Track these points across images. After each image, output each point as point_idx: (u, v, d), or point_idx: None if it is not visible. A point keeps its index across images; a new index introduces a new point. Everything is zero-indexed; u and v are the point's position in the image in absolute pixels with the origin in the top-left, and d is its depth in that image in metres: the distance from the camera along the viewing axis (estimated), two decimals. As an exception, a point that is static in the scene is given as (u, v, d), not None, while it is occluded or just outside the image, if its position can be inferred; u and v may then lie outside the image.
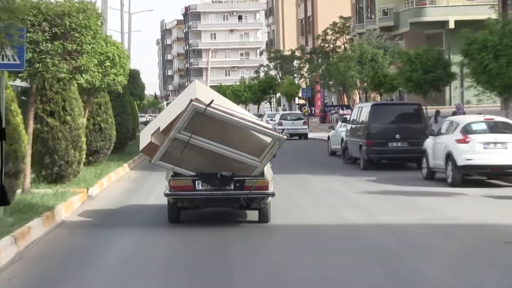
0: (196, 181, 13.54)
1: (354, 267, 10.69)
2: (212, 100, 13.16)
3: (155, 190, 20.44)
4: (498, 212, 16.22)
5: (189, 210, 14.84)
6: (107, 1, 40.40)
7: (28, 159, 17.05)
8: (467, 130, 21.40)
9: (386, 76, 44.97)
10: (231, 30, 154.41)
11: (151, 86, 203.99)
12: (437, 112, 32.50)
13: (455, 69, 36.24)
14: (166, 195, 13.79)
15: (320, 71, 66.23)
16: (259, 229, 14.14)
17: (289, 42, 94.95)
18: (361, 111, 28.33)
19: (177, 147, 13.21)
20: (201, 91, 13.79)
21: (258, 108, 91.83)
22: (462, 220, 14.98)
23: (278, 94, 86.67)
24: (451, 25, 53.46)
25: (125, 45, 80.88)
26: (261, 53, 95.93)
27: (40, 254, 11.61)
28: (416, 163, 27.01)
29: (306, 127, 51.25)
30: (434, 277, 10.14)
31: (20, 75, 16.26)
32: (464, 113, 32.28)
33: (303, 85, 76.30)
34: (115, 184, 22.12)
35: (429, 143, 23.40)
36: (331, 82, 61.59)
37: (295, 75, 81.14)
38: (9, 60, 14.28)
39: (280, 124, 47.74)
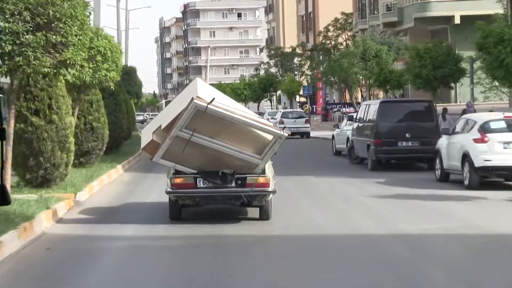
0: (198, 179, 13.63)
1: (369, 284, 9.49)
2: (214, 98, 13.14)
3: (150, 193, 19.03)
4: (525, 219, 14.77)
5: (190, 208, 14.74)
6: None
7: (8, 162, 15.58)
8: (485, 129, 19.89)
9: (392, 73, 43.45)
10: (231, 28, 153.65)
11: (150, 84, 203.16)
12: (445, 110, 30.99)
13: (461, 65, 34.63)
14: (167, 192, 13.86)
15: (321, 68, 64.82)
16: (260, 240, 12.71)
17: (290, 39, 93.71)
18: (369, 109, 26.81)
19: (178, 145, 13.28)
20: (202, 89, 13.73)
21: (258, 106, 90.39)
22: (486, 230, 13.52)
23: (279, 92, 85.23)
24: (457, 21, 52.13)
25: (122, 42, 79.48)
26: (261, 50, 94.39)
27: (9, 275, 10.03)
28: (427, 163, 25.55)
29: (308, 125, 49.77)
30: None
31: (-1, 69, 14.78)
32: (474, 111, 30.72)
33: (304, 83, 74.89)
34: (107, 188, 20.58)
35: (443, 142, 21.90)
36: (332, 79, 60.14)
37: (295, 73, 79.72)
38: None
39: (281, 122, 46.24)
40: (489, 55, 23.77)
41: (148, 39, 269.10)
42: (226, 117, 13.17)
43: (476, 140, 19.74)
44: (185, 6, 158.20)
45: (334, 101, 76.37)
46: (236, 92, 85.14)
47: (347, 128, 30.91)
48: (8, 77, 16.17)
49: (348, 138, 30.06)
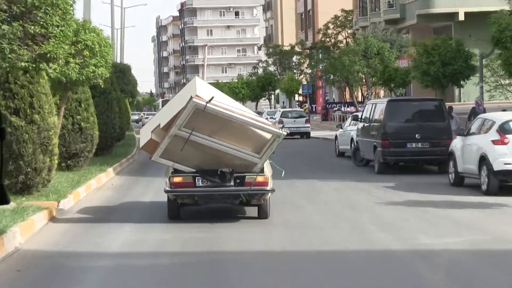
0: (196, 178, 13.62)
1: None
2: (213, 97, 13.12)
3: (142, 199, 17.49)
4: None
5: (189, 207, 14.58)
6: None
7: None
8: (504, 130, 18.33)
9: (397, 70, 41.82)
10: (228, 26, 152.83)
11: (147, 83, 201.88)
12: (450, 108, 29.37)
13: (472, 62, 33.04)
14: (166, 191, 13.79)
15: (321, 67, 63.40)
16: (262, 256, 11.17)
17: (288, 37, 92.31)
18: (375, 108, 25.24)
19: (177, 144, 13.29)
20: (201, 88, 13.72)
21: (256, 105, 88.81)
22: (517, 243, 12.00)
23: (277, 91, 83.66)
24: (461, 17, 50.92)
25: (118, 41, 77.94)
26: (259, 48, 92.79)
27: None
28: (437, 166, 24.02)
29: (308, 125, 48.15)
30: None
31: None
32: (484, 110, 29.13)
33: (304, 82, 73.42)
34: (95, 194, 18.95)
35: (457, 144, 20.35)
36: (332, 77, 58.71)
37: (294, 71, 78.18)
38: None
39: (280, 122, 44.68)
40: (506, 50, 22.18)
41: (145, 38, 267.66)
42: (225, 116, 13.16)
43: (495, 142, 18.20)
44: (182, 4, 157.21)
45: (333, 100, 74.85)
46: (234, 91, 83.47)
47: (351, 128, 29.46)
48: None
49: (352, 139, 28.63)
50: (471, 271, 10.17)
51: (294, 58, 79.36)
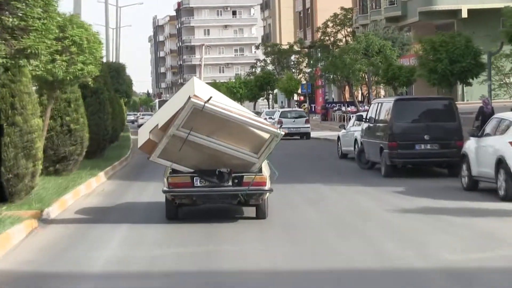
0: (195, 178, 13.62)
1: None
2: (211, 97, 13.13)
3: (134, 208, 16.24)
4: None
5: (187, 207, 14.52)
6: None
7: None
8: (524, 130, 17.06)
9: (401, 68, 40.50)
10: (225, 26, 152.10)
11: (144, 83, 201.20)
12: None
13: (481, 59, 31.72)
14: (164, 191, 13.79)
15: (320, 66, 62.22)
16: (264, 275, 9.86)
17: (286, 36, 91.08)
18: (381, 108, 23.92)
19: (175, 144, 13.31)
20: (199, 88, 13.68)
21: (255, 105, 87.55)
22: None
23: (276, 91, 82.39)
24: (464, 14, 49.80)
25: (113, 40, 76.69)
26: (257, 47, 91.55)
27: None
28: (447, 169, 22.73)
29: (308, 125, 46.78)
30: None
31: None
32: (492, 109, 27.83)
33: (303, 81, 72.18)
34: (84, 201, 17.58)
35: (470, 146, 19.04)
36: (332, 76, 57.48)
37: (293, 70, 76.94)
38: None
39: (280, 122, 43.40)
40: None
41: (142, 38, 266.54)
42: (223, 116, 13.17)
43: (514, 144, 16.93)
44: (179, 4, 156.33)
45: (333, 99, 73.61)
46: (232, 90, 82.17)
47: (354, 129, 28.16)
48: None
49: (356, 140, 27.33)
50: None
51: (293, 57, 78.15)
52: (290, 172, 24.10)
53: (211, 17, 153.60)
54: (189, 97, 13.03)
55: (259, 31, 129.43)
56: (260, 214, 14.27)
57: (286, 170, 24.83)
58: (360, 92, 65.40)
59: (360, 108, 52.19)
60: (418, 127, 22.50)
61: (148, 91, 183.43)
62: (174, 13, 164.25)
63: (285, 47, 78.33)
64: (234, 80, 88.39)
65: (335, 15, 68.43)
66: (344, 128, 30.39)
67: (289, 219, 14.50)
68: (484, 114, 26.04)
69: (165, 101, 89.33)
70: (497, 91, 40.94)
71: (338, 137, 30.73)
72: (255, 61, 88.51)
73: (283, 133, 13.66)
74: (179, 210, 14.35)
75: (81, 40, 17.59)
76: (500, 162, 17.14)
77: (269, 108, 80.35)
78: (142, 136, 14.01)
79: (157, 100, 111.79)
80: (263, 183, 13.66)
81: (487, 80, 31.37)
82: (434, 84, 30.80)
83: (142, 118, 79.01)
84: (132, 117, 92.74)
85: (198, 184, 13.60)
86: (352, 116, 34.16)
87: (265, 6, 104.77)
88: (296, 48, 76.83)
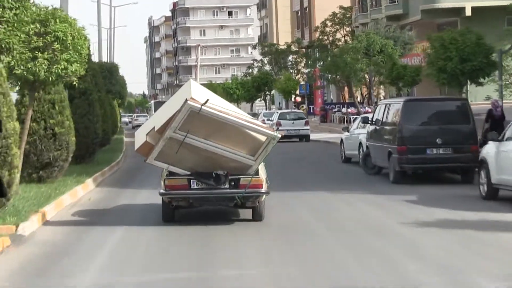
0: (191, 180, 13.68)
1: None
2: (207, 99, 13.17)
3: (123, 219, 14.71)
4: None
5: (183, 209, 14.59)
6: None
7: None
8: (550, 135, 15.55)
9: (406, 68, 38.94)
10: (221, 26, 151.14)
11: (140, 85, 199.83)
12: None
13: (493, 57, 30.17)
14: (161, 194, 13.83)
15: (318, 66, 60.74)
16: None
17: (283, 36, 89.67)
18: (389, 109, 22.38)
19: (172, 147, 13.37)
20: (196, 90, 13.67)
21: (252, 106, 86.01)
22: None
23: (273, 92, 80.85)
24: (468, 13, 48.42)
25: (107, 40, 75.13)
26: (254, 47, 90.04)
27: None
28: (461, 175, 21.22)
29: (308, 127, 45.22)
30: None
31: None
32: (502, 112, 26.25)
33: (301, 81, 70.68)
34: (67, 213, 15.92)
35: (490, 151, 17.51)
36: (331, 77, 56.00)
37: (291, 71, 75.43)
38: None
39: (278, 124, 41.72)
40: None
41: (138, 39, 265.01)
42: (219, 118, 13.22)
43: (540, 149, 15.42)
44: (175, 4, 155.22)
45: (331, 100, 72.08)
46: (228, 91, 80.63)
47: (358, 132, 26.70)
48: None
49: (360, 143, 25.88)
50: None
51: (290, 58, 76.67)
52: (291, 178, 22.66)
53: (207, 17, 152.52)
54: (186, 100, 13.03)
55: (255, 32, 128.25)
56: (257, 216, 14.33)
57: (286, 175, 23.39)
58: (360, 93, 63.92)
59: (361, 109, 50.72)
60: (429, 130, 20.96)
61: (144, 93, 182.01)
62: (169, 14, 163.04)
63: (283, 47, 76.84)
64: (230, 81, 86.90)
65: (334, 14, 67.02)
66: (348, 131, 28.90)
67: (292, 230, 13.08)
68: (493, 117, 24.49)
69: (160, 102, 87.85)
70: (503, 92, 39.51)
71: (341, 140, 29.21)
72: (251, 61, 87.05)
73: (280, 135, 13.64)
74: (176, 212, 14.34)
75: (65, 36, 16.06)
76: (525, 169, 15.64)
77: (266, 109, 78.81)
78: (139, 138, 14.04)
79: (152, 102, 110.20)
80: (259, 186, 13.71)
81: (497, 80, 29.79)
82: (443, 83, 29.26)
83: (137, 119, 77.48)
84: (126, 119, 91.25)
85: (195, 187, 13.66)
86: (354, 117, 32.60)
87: (261, 6, 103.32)
88: (293, 48, 75.35)
